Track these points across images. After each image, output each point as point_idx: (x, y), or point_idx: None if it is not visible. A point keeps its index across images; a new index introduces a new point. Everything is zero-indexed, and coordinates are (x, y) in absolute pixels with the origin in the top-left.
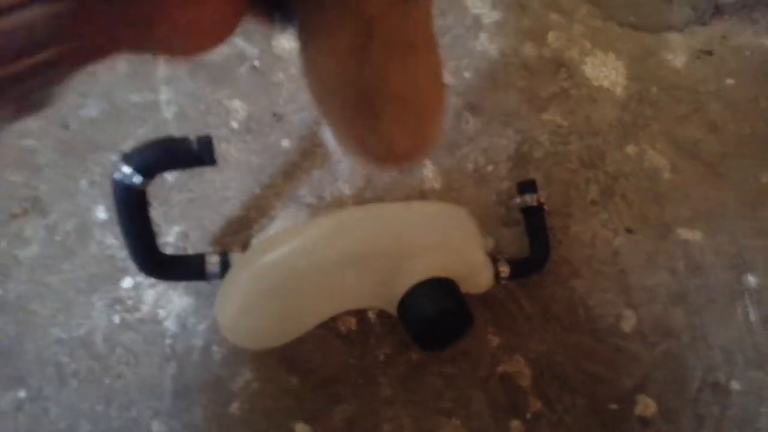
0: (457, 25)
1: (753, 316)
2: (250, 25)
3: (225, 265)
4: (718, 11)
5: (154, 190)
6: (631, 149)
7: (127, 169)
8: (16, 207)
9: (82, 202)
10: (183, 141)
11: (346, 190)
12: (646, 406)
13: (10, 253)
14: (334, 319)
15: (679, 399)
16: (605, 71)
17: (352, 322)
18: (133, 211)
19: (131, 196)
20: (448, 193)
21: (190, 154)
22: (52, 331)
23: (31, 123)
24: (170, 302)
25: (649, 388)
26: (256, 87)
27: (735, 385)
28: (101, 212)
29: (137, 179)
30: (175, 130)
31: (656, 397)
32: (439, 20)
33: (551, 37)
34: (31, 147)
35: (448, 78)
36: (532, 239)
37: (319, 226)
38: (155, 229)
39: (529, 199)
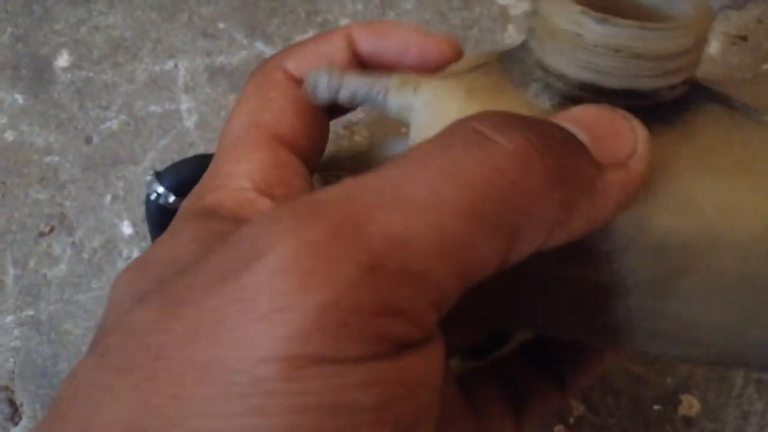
0: (483, 17)
1: None
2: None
3: None
4: None
5: None
6: None
7: (160, 189)
8: (44, 225)
9: (107, 217)
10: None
11: None
12: (690, 405)
13: (40, 272)
14: None
15: (723, 397)
16: None
17: None
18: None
19: (165, 216)
20: None
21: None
22: (85, 350)
23: (53, 139)
24: None
25: (692, 387)
26: None
27: None
28: (127, 227)
29: (171, 198)
30: (196, 139)
31: (700, 396)
32: (464, 12)
33: None
34: (55, 163)
35: None
36: None
37: None
38: None
39: None
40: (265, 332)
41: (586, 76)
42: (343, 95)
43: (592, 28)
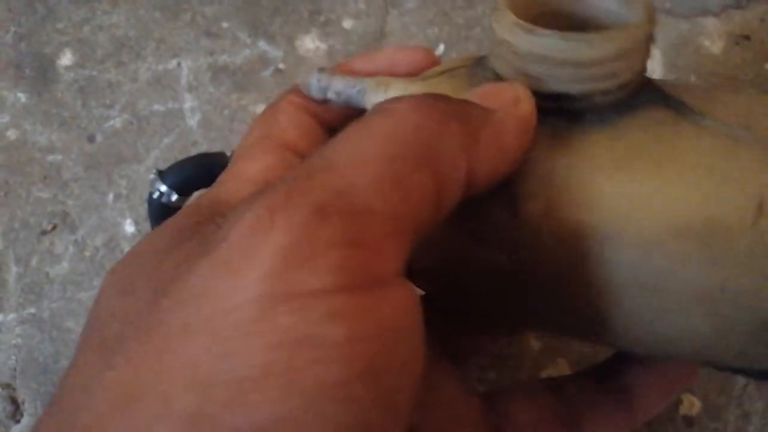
0: (486, 16)
1: None
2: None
3: None
4: None
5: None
6: None
7: (163, 188)
8: (46, 223)
9: (109, 216)
10: (217, 156)
11: None
12: (691, 404)
13: (42, 270)
14: None
15: (724, 396)
16: None
17: None
18: None
19: (168, 215)
20: None
21: (225, 169)
22: None
23: (56, 138)
24: None
25: (693, 386)
26: (282, 90)
27: None
28: (129, 226)
29: (173, 197)
30: (199, 138)
31: (701, 396)
32: (468, 11)
33: None
34: (58, 162)
35: None
36: None
37: None
38: None
39: None
40: (238, 281)
41: (523, 82)
42: (330, 95)
43: (522, 38)
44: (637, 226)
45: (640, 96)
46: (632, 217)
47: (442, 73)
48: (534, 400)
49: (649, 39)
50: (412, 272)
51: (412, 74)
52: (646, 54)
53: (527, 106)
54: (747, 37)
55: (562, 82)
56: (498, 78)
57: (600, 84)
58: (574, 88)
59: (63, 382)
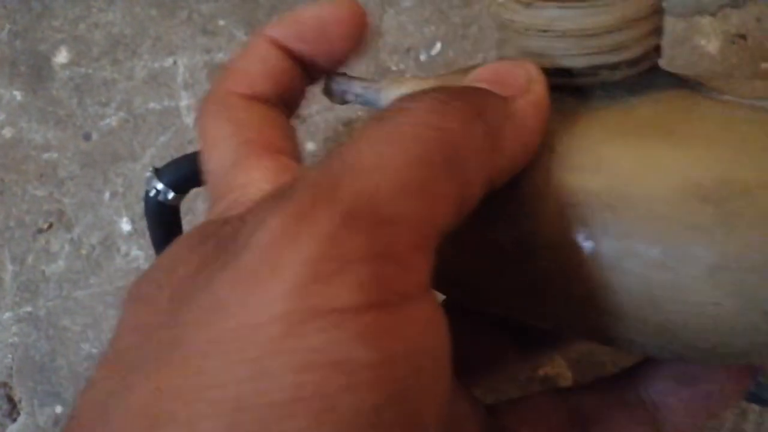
0: (483, 15)
1: None
2: None
3: None
4: None
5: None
6: None
7: (160, 186)
8: (42, 222)
9: (105, 214)
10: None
11: None
12: None
13: (38, 268)
14: None
15: None
16: None
17: None
18: (166, 227)
19: (164, 213)
20: None
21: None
22: (83, 346)
23: (51, 136)
24: None
25: None
26: None
27: None
28: (125, 224)
29: (170, 195)
30: (196, 136)
31: None
32: (464, 10)
33: None
34: (53, 160)
35: None
36: None
37: None
38: None
39: None
40: (263, 295)
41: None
42: (349, 97)
43: (522, 13)
44: (644, 190)
45: (653, 78)
46: (638, 182)
47: (456, 72)
48: (543, 414)
49: (657, 13)
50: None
51: (348, 38)
52: (656, 29)
53: (540, 87)
54: (743, 37)
55: (565, 56)
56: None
57: (606, 57)
58: (578, 61)
59: (80, 398)
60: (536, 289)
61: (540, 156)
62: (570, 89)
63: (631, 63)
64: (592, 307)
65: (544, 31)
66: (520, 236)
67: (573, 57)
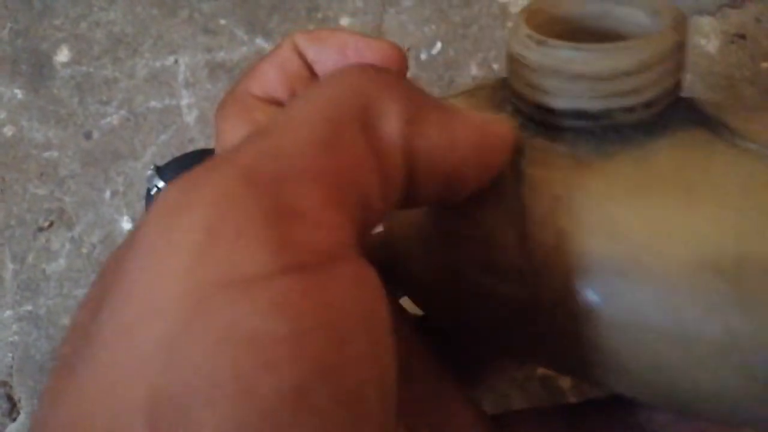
0: (483, 14)
1: None
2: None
3: None
4: None
5: None
6: None
7: (161, 184)
8: (43, 220)
9: (106, 213)
10: (214, 152)
11: None
12: None
13: (38, 267)
14: None
15: None
16: None
17: None
18: None
19: None
20: None
21: None
22: None
23: (52, 134)
24: None
25: None
26: None
27: None
28: (126, 223)
29: None
30: (197, 135)
31: None
32: (464, 10)
33: None
34: (54, 159)
35: (475, 71)
36: None
37: None
38: None
39: None
40: (164, 272)
41: (537, 98)
42: None
43: (535, 51)
44: (658, 259)
45: (672, 115)
46: (652, 250)
47: (462, 93)
48: (546, 427)
49: (679, 51)
50: (412, 288)
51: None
52: (677, 68)
53: (500, 124)
54: (743, 36)
55: (578, 98)
56: (517, 95)
57: (621, 100)
58: (592, 104)
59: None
60: (538, 342)
61: (549, 214)
62: (582, 132)
63: (648, 104)
64: (596, 365)
65: (556, 71)
66: (525, 292)
67: (587, 99)
